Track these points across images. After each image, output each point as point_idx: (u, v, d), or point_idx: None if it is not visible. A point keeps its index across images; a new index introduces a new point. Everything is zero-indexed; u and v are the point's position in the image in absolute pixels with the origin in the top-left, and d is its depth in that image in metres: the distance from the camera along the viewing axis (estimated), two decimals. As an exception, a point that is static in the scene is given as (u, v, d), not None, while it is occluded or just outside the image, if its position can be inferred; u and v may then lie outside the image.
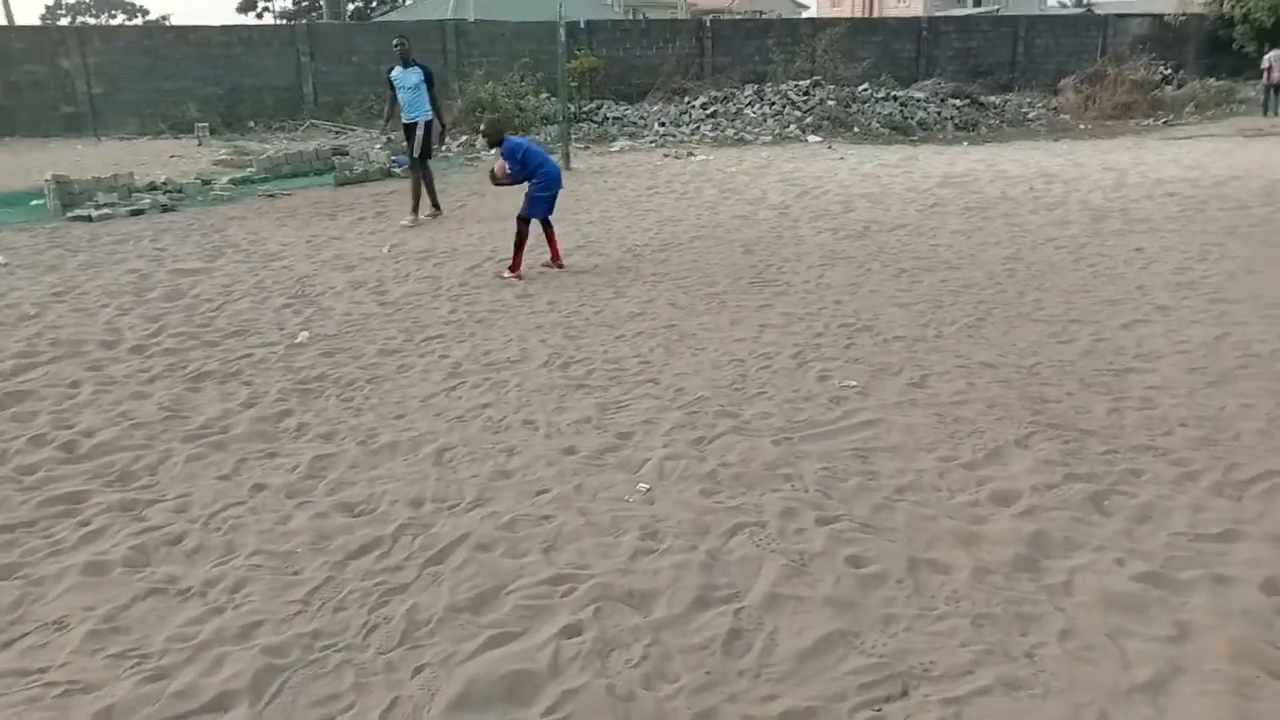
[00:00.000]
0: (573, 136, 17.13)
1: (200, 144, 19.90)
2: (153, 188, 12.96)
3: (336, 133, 21.42)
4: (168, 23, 44.41)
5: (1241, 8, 30.65)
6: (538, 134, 19.39)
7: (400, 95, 10.92)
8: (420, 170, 11.09)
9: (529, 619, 3.28)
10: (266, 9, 53.50)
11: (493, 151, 8.73)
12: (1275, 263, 8.15)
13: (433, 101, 11.07)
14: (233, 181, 13.80)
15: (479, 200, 12.66)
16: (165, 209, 11.97)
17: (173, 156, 17.75)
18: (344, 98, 23.79)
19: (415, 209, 11.06)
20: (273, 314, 7.25)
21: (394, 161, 15.07)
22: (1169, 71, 26.74)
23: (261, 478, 4.44)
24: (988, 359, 5.89)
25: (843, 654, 3.05)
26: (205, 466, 4.57)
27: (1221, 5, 31.37)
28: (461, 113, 20.10)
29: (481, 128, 8.62)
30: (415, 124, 10.92)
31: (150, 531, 3.93)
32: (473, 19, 26.52)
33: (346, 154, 15.63)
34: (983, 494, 4.12)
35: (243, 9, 52.85)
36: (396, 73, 10.93)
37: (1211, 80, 27.24)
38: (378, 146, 16.88)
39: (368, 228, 10.90)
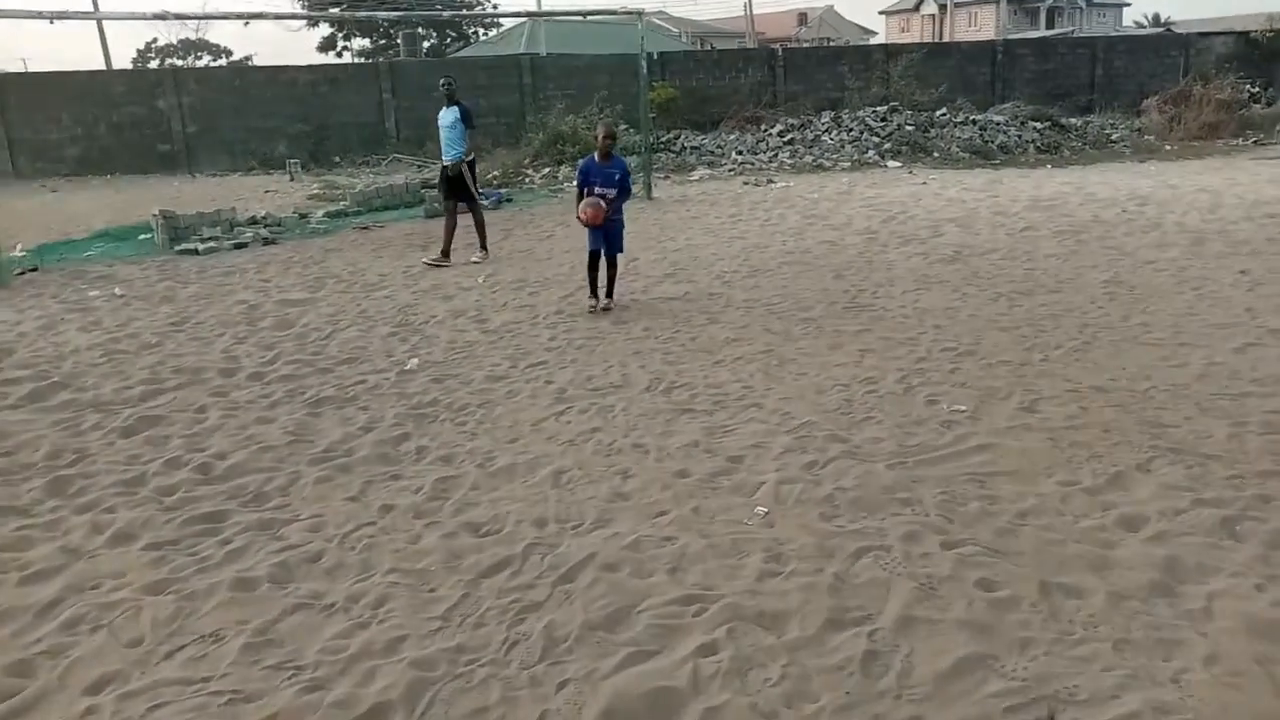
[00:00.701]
0: (653, 166, 17.33)
1: (292, 179, 20.60)
2: (253, 222, 13.47)
3: (419, 166, 21.98)
4: (252, 63, 46.14)
5: (1333, 22, 29.71)
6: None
7: (441, 134, 10.79)
8: (462, 210, 10.92)
9: (663, 638, 3.34)
10: (346, 48, 55.29)
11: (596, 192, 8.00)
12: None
13: (468, 140, 10.76)
14: (328, 215, 14.27)
15: (566, 230, 12.87)
16: (267, 242, 12.43)
17: (267, 191, 18.41)
18: (425, 132, 24.38)
19: (447, 249, 10.75)
20: (380, 342, 7.48)
21: (483, 194, 15.40)
22: (1257, 90, 26.04)
23: (389, 499, 4.60)
24: (1098, 383, 5.81)
25: (983, 677, 3.05)
26: (334, 488, 4.75)
27: (1312, 20, 30.45)
28: (543, 145, 20.48)
29: (604, 133, 8.02)
30: (455, 163, 10.69)
31: (290, 550, 4.10)
32: (544, 53, 27.07)
33: (434, 187, 16.02)
34: (1108, 519, 4.08)
35: (323, 49, 54.70)
36: (442, 113, 10.81)
37: (1303, 97, 26.42)
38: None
39: (460, 258, 11.16)
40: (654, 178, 16.93)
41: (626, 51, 21.82)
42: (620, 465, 4.88)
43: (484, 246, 11.09)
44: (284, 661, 3.30)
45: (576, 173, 7.86)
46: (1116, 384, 5.76)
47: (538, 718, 2.95)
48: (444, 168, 10.84)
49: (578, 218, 8.08)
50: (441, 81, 10.84)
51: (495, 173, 18.97)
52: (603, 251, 8.14)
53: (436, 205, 14.59)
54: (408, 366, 6.75)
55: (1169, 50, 29.76)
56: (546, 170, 19.42)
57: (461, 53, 39.47)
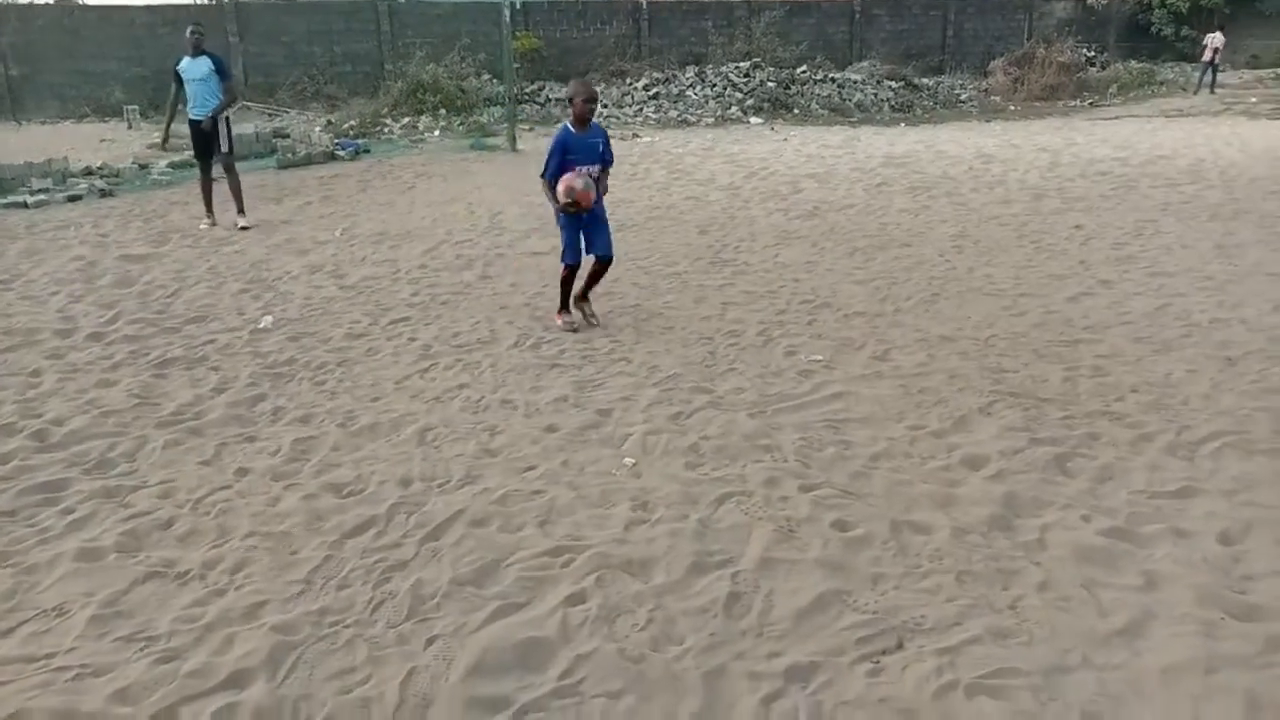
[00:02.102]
0: (517, 118, 17.06)
1: (130, 127, 19.36)
2: (88, 172, 12.63)
3: (270, 115, 20.99)
4: (82, 1, 42.77)
5: (1160, -8, 31.61)
6: (481, 116, 19.25)
7: (188, 87, 9.58)
8: (212, 171, 10.00)
9: (532, 589, 3.36)
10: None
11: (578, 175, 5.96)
12: (1206, 237, 8.55)
13: (225, 95, 9.71)
14: (171, 165, 13.48)
15: (428, 182, 12.57)
16: (104, 194, 11.67)
17: (103, 140, 17.26)
18: (275, 79, 23.33)
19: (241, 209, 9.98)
20: (231, 299, 7.16)
21: (338, 144, 14.86)
22: (1093, 54, 27.54)
23: (245, 461, 4.44)
24: (946, 332, 6.10)
25: (838, 612, 3.20)
26: (185, 452, 4.55)
27: (1141, -11, 32.32)
28: (403, 94, 19.87)
29: (585, 94, 5.98)
30: (209, 118, 9.58)
31: (139, 517, 3.91)
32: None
33: (288, 136, 15.37)
34: (953, 459, 4.31)
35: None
36: (185, 63, 9.58)
37: (1133, 62, 28.14)
38: (318, 129, 16.61)
39: (316, 211, 10.77)
40: (518, 130, 16.67)
41: (489, 0, 21.31)
42: (488, 421, 4.85)
43: (242, 210, 9.97)
44: (135, 633, 3.16)
45: (548, 152, 5.99)
46: (962, 333, 6.07)
47: (405, 675, 2.93)
48: (195, 122, 9.66)
49: (560, 203, 5.96)
50: (190, 29, 9.71)
51: (352, 123, 18.30)
52: (586, 255, 6.24)
53: (290, 156, 14.00)
54: (261, 325, 6.49)
55: (1014, 14, 31.07)
56: (406, 120, 18.87)
57: (314, -4, 37.66)
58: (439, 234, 9.42)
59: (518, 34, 23.41)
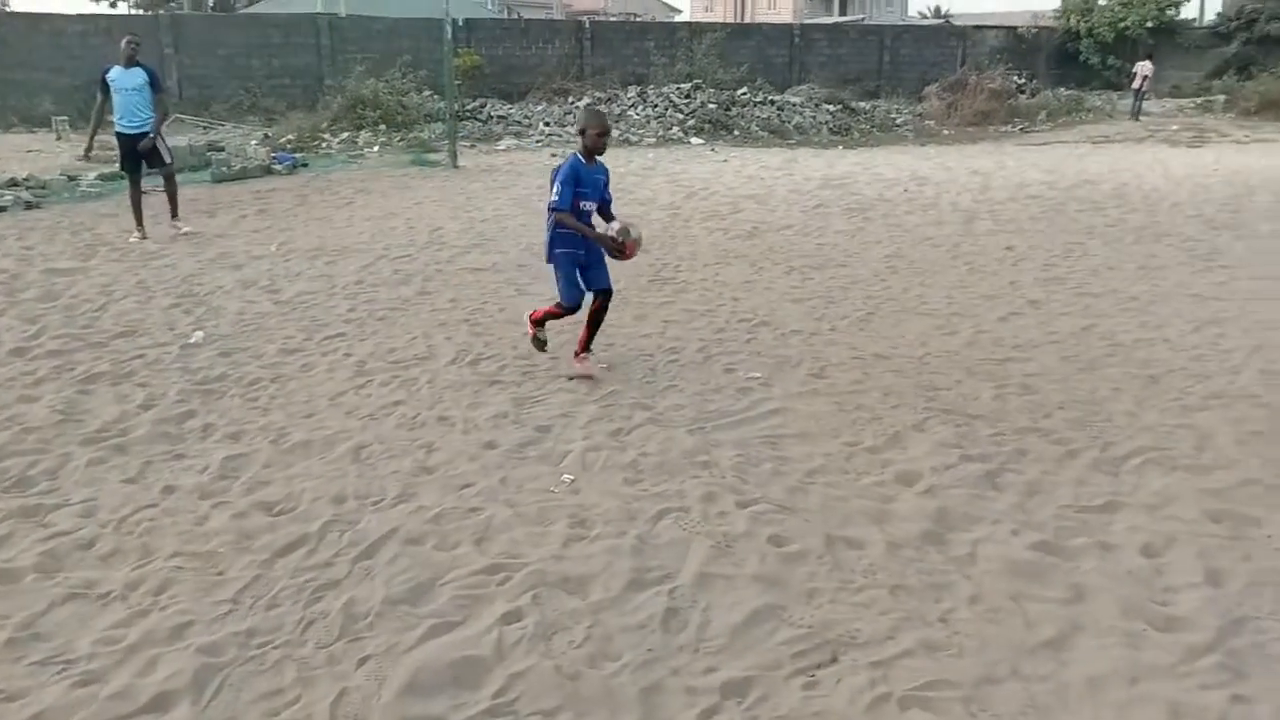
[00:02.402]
0: (458, 134, 16.98)
1: (59, 139, 18.85)
2: (13, 184, 12.24)
3: (204, 128, 20.60)
4: (7, 8, 41.64)
5: (1086, 23, 32.78)
6: (422, 132, 19.13)
7: (117, 98, 9.35)
8: (143, 184, 9.81)
9: (468, 607, 3.33)
10: (120, -3, 50.77)
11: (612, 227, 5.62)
12: (1130, 259, 8.83)
13: (157, 108, 9.58)
14: (100, 178, 13.14)
15: (367, 198, 12.44)
16: (29, 206, 11.33)
17: (30, 151, 16.76)
18: (211, 92, 22.93)
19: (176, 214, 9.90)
20: (160, 314, 6.99)
21: (275, 158, 14.65)
22: (1023, 81, 28.32)
23: (171, 479, 4.32)
24: (880, 350, 6.20)
25: (774, 626, 3.22)
26: (109, 470, 4.42)
27: (1069, 20, 33.47)
28: (342, 109, 19.67)
29: (600, 128, 5.43)
30: (142, 133, 9.40)
31: (59, 537, 3.79)
32: (344, 13, 25.93)
33: (223, 150, 15.10)
34: (887, 475, 4.38)
35: (94, -4, 50.03)
36: (115, 73, 9.35)
37: (1061, 90, 29.02)
38: (255, 143, 16.36)
39: (250, 225, 10.58)
40: (459, 146, 16.60)
41: (432, 16, 21.18)
42: (424, 439, 4.80)
43: (175, 214, 9.94)
44: (53, 656, 3.05)
45: (560, 181, 5.32)
46: (896, 351, 6.17)
47: (336, 695, 2.87)
48: (126, 135, 9.45)
49: (610, 237, 5.52)
50: (127, 40, 9.54)
51: (290, 137, 18.05)
52: (588, 292, 5.63)
53: (225, 170, 13.76)
54: (192, 340, 6.35)
55: (948, 41, 31.91)
56: (345, 135, 18.67)
57: (253, 8, 37.14)
58: (377, 249, 9.31)
59: (460, 51, 23.34)
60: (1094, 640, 3.14)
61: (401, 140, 18.43)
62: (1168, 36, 32.51)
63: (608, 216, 5.64)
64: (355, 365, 5.91)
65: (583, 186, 5.44)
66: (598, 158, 5.50)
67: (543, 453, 4.61)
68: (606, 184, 5.63)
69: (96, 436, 4.78)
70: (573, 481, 4.29)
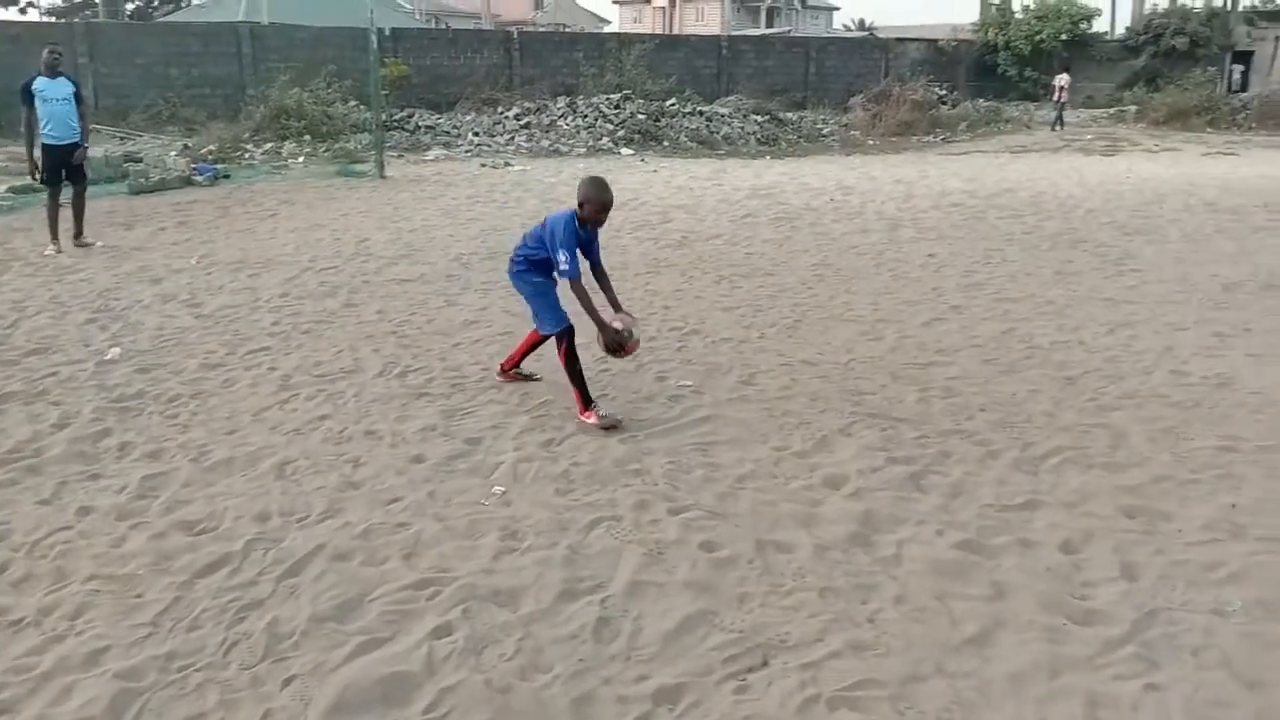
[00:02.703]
0: (385, 145, 16.80)
1: (-36, 149, 18.14)
2: (-85, 197, 11.74)
3: (121, 138, 20.03)
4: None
5: (1003, 36, 33.78)
6: (348, 142, 18.86)
7: (46, 109, 9.19)
8: (58, 196, 9.53)
9: (397, 623, 3.28)
10: (31, 4, 49.18)
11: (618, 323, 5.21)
12: (1047, 265, 9.10)
13: (82, 119, 9.54)
14: (13, 190, 12.68)
15: (291, 209, 12.22)
16: (-68, 220, 10.89)
17: (-68, 162, 16.11)
18: (129, 102, 22.31)
19: (56, 234, 9.49)
20: (75, 330, 6.77)
21: (195, 169, 14.31)
22: (944, 92, 29.07)
23: (87, 500, 4.19)
24: (808, 357, 6.29)
25: (705, 632, 3.24)
26: (21, 492, 4.26)
27: (987, 33, 34.46)
28: (265, 119, 19.31)
29: (602, 203, 5.02)
30: (74, 145, 9.38)
31: (-34, 563, 3.64)
32: (266, 22, 25.47)
33: (140, 161, 14.71)
34: (815, 479, 4.44)
35: (3, 2, 48.38)
36: (42, 83, 9.20)
37: (981, 101, 29.83)
38: (174, 153, 15.96)
39: (170, 238, 10.32)
40: (386, 156, 16.41)
41: (357, 25, 20.93)
42: (351, 453, 4.72)
43: (81, 232, 9.73)
44: (-41, 687, 2.93)
45: (564, 247, 4.93)
46: (823, 357, 6.27)
47: (260, 718, 2.80)
48: (58, 147, 9.32)
49: (608, 335, 5.13)
50: (48, 50, 9.33)
51: (211, 148, 17.65)
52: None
53: (143, 181, 13.40)
54: (108, 356, 6.16)
55: (872, 53, 32.59)
56: (269, 146, 18.32)
57: (172, 16, 36.29)
58: (302, 261, 9.15)
59: (386, 61, 23.10)
60: (1015, 636, 3.22)
61: (327, 151, 18.16)
62: (1081, 49, 33.68)
63: (600, 276, 5.32)
64: (279, 380, 5.80)
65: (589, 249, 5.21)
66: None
67: (473, 465, 4.57)
68: (597, 246, 5.29)
69: (8, 458, 4.61)
70: (503, 493, 4.26)
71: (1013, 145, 22.40)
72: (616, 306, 5.27)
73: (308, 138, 18.88)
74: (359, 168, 16.12)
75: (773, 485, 4.38)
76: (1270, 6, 36.18)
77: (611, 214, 5.35)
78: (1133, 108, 29.64)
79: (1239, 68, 32.92)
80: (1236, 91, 31.35)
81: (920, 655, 3.10)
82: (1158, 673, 3.01)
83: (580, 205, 4.99)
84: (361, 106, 20.56)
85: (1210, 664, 3.06)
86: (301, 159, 17.37)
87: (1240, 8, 34.70)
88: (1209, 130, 26.42)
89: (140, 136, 20.37)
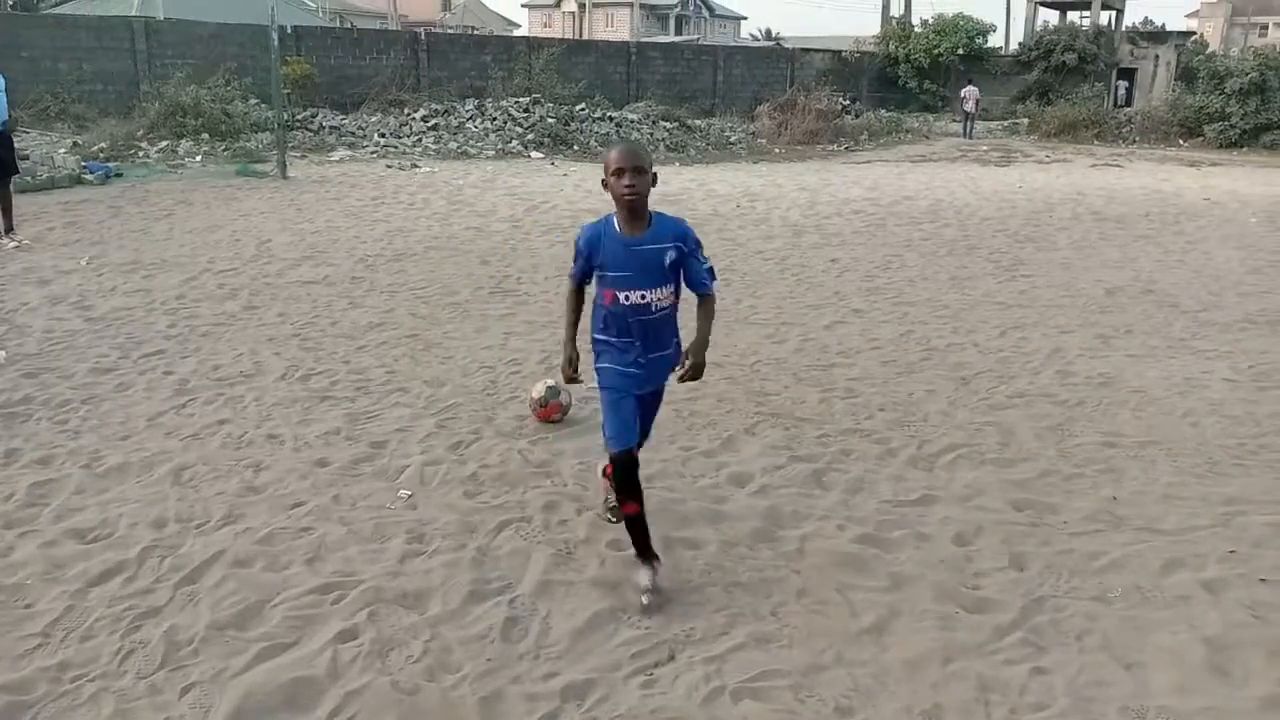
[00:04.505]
0: (288, 145, 16.39)
1: None
2: None
3: (5, 134, 19.09)
4: None
5: (904, 49, 34.83)
6: (249, 141, 18.36)
7: None
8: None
9: (300, 628, 3.23)
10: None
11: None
12: (943, 270, 9.42)
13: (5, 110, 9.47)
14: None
15: (189, 209, 11.85)
16: None
17: None
18: (14, 96, 21.17)
19: (12, 228, 9.63)
20: (-46, 333, 6.46)
21: (86, 168, 13.76)
22: (848, 103, 29.79)
23: (-32, 510, 4.01)
24: (714, 359, 6.32)
25: (613, 629, 3.28)
26: (-106, 502, 4.05)
27: (888, 45, 35.49)
28: (160, 117, 18.66)
29: (630, 163, 3.41)
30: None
31: None
32: (162, 17, 24.61)
33: (27, 158, 14.04)
34: (721, 477, 4.52)
35: None
36: None
37: (882, 111, 30.68)
38: (63, 151, 15.30)
39: (59, 238, 9.90)
40: (289, 156, 16.04)
41: (258, 22, 20.38)
42: (252, 458, 4.62)
43: (10, 229, 9.66)
44: None
45: (577, 253, 3.63)
46: (729, 359, 6.38)
47: (158, 727, 2.74)
48: None
49: (543, 404, 4.98)
50: None
51: (103, 145, 16.97)
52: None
53: (29, 180, 12.83)
54: (-8, 360, 5.90)
55: (778, 63, 33.19)
56: (165, 144, 17.70)
57: (60, 8, 34.72)
58: (200, 263, 8.89)
59: (289, 59, 22.55)
60: (911, 624, 3.34)
61: (226, 150, 17.64)
62: (977, 63, 34.94)
63: (699, 300, 3.66)
64: (176, 384, 5.63)
65: (611, 267, 3.47)
66: (650, 220, 3.50)
67: (378, 469, 4.52)
68: (691, 253, 3.56)
69: (-122, 467, 4.38)
70: (410, 497, 4.23)
71: (913, 155, 23.09)
72: (690, 352, 3.67)
73: (206, 136, 18.31)
74: (260, 168, 15.71)
75: (680, 484, 4.44)
76: (1149, 28, 38.15)
77: (521, 216, 5.32)
78: (1025, 120, 30.86)
79: (1124, 84, 34.57)
80: (1122, 106, 32.93)
81: (821, 645, 3.20)
82: (1044, 657, 3.17)
83: (604, 186, 3.53)
84: (263, 105, 20.03)
85: (1092, 647, 3.23)
86: (199, 158, 16.84)
87: (1124, 27, 36.47)
88: (1096, 143, 27.68)
89: (27, 133, 19.44)
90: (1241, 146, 26.60)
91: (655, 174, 3.49)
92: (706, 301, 3.63)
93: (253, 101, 20.60)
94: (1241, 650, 3.23)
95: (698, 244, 3.62)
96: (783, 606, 3.43)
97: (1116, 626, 3.34)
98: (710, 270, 3.66)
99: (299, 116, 21.32)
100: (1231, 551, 3.91)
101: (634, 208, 3.43)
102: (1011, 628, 3.32)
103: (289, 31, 23.97)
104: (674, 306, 3.60)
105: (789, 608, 3.42)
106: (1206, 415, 5.48)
